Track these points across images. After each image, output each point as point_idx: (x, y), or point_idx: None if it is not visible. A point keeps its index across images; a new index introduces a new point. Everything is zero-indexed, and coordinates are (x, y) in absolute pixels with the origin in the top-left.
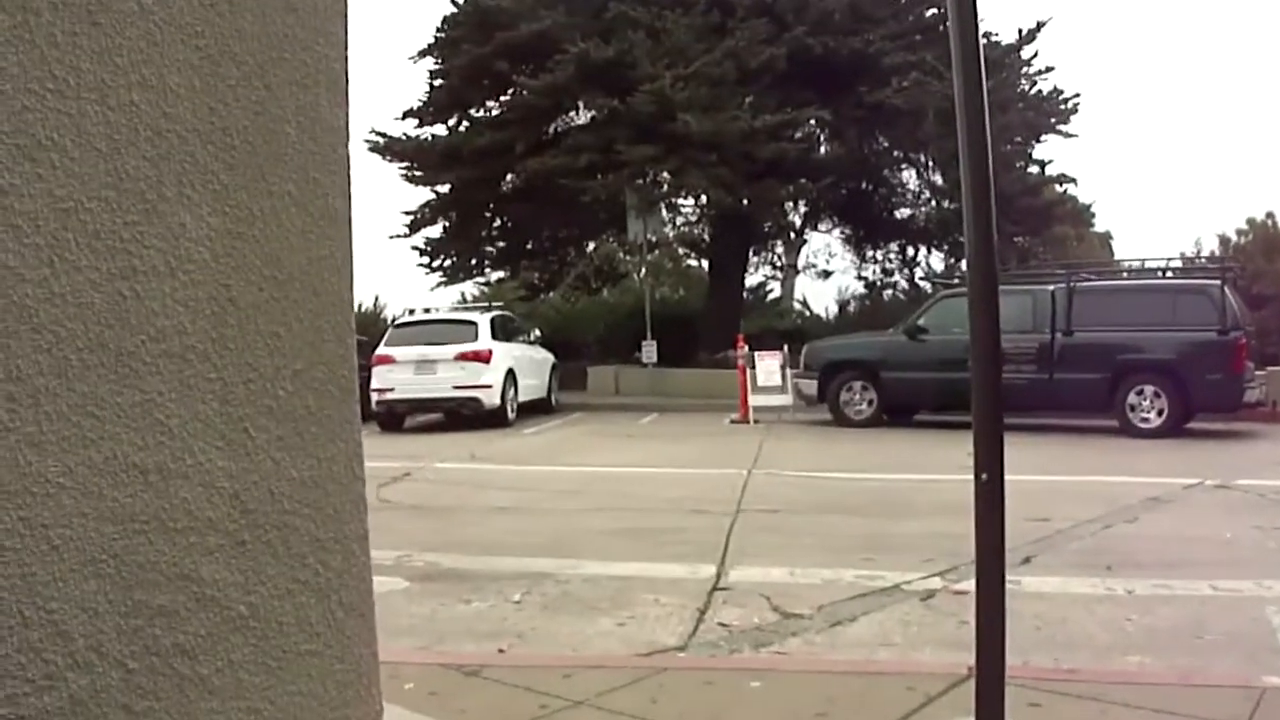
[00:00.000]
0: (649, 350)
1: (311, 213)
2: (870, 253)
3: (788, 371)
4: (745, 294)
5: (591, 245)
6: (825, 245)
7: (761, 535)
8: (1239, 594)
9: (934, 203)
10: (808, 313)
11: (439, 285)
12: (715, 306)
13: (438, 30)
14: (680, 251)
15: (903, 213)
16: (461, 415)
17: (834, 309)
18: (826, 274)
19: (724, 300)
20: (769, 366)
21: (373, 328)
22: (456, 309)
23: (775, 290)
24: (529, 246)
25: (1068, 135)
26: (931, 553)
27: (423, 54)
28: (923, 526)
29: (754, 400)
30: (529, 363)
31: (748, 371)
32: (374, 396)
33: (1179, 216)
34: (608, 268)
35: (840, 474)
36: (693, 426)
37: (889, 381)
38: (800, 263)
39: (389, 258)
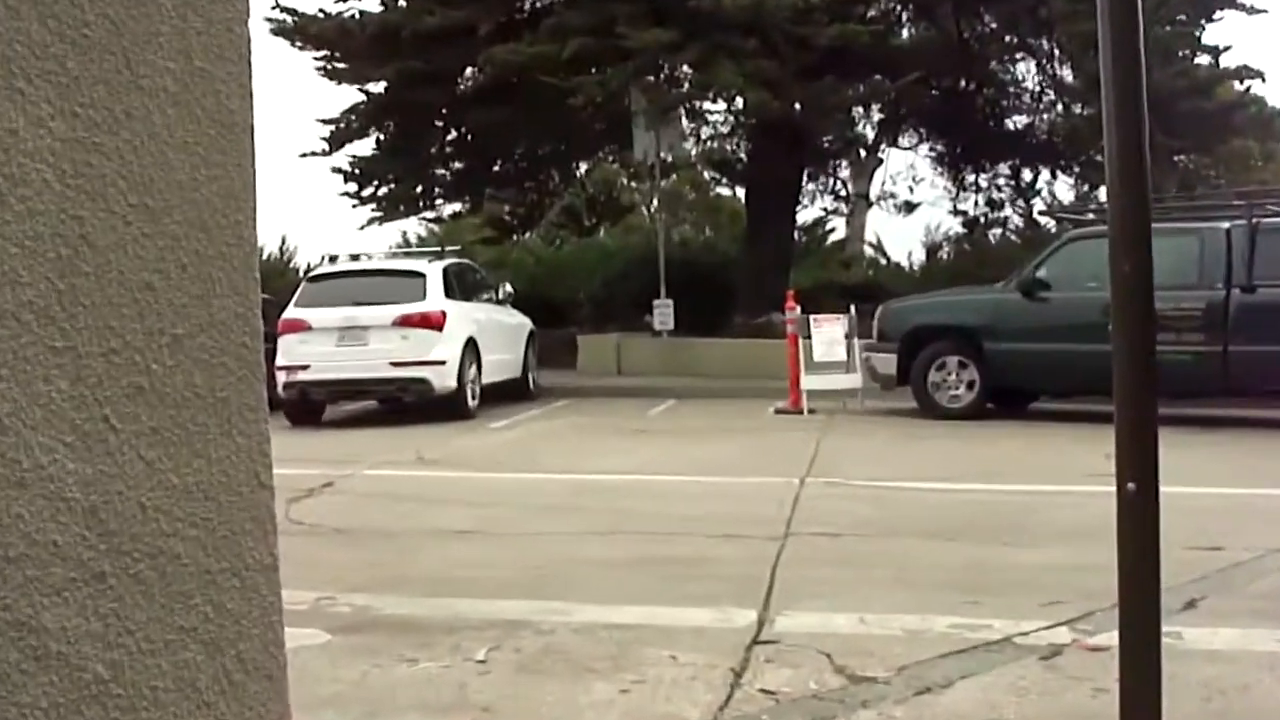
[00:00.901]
0: (663, 313)
1: (197, 116)
2: (971, 178)
3: (855, 343)
4: (797, 235)
5: (584, 168)
6: (908, 167)
7: (819, 568)
8: None
9: (1060, 107)
10: (883, 260)
11: (371, 223)
12: (755, 253)
13: None
14: (707, 177)
15: (1016, 121)
16: (403, 403)
17: (920, 255)
18: (910, 207)
19: (767, 244)
20: (829, 335)
21: (278, 281)
22: (396, 256)
23: (838, 230)
24: (496, 169)
25: (1252, 10)
26: (1055, 593)
27: None
28: (1043, 556)
29: (808, 382)
30: (497, 330)
31: (800, 342)
32: (280, 377)
33: None
34: (606, 199)
35: (928, 484)
36: (723, 418)
37: (996, 356)
38: (873, 191)
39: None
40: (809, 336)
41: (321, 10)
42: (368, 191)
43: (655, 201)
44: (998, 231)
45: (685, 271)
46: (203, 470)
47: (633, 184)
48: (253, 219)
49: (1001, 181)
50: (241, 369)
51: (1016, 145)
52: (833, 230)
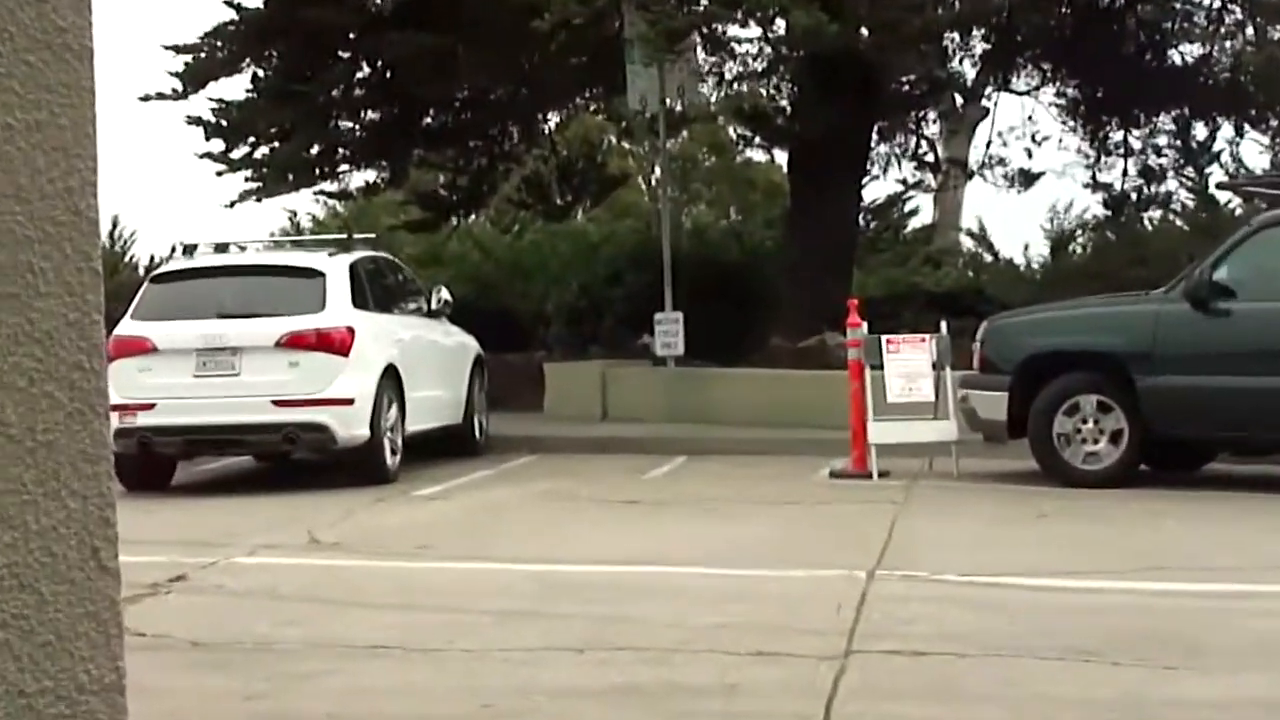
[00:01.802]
0: (668, 332)
1: (16, 41)
2: (1117, 136)
3: (948, 376)
4: (863, 220)
5: (553, 121)
6: (1025, 122)
7: (897, 703)
8: None
9: (1250, 32)
10: (988, 257)
11: (246, 198)
12: (802, 245)
13: None
14: (733, 135)
15: (1185, 54)
16: (291, 460)
17: (1042, 249)
18: (1028, 179)
19: (819, 232)
20: (910, 366)
21: (107, 281)
22: (282, 247)
23: (923, 212)
24: (427, 121)
25: None
26: None
27: None
28: (1228, 688)
29: (879, 433)
30: (429, 355)
31: (866, 376)
32: (113, 421)
33: None
34: (587, 166)
35: (1054, 580)
36: (754, 484)
37: (1154, 395)
38: (974, 157)
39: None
40: (879, 366)
41: None
42: (240, 152)
43: (657, 171)
44: (1156, 214)
45: (701, 271)
46: (16, 547)
47: (625, 145)
48: (93, 184)
49: (1162, 141)
50: (75, 401)
51: (1184, 88)
52: (915, 213)
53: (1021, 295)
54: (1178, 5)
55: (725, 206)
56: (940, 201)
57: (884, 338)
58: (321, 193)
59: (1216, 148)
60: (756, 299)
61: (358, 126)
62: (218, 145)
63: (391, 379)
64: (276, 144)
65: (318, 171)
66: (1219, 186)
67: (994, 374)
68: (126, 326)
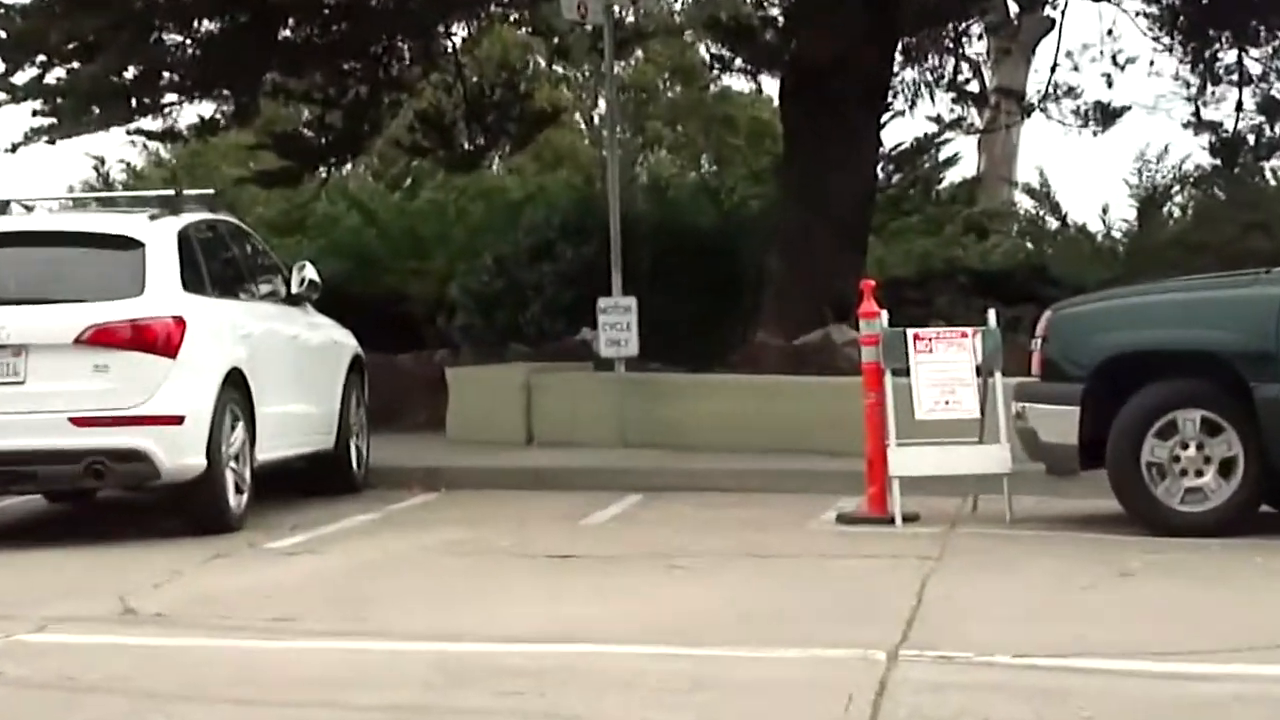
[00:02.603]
0: (616, 325)
1: None
2: (1228, 56)
3: (997, 384)
4: (882, 171)
5: (459, 34)
6: (1104, 37)
7: None
8: None
9: None
10: (1052, 221)
11: (35, 137)
12: (798, 206)
13: None
14: (705, 55)
15: None
16: (97, 497)
17: (1124, 211)
18: (1107, 115)
19: (821, 189)
20: (945, 369)
21: None
22: (84, 206)
23: (965, 161)
24: (286, 34)
25: None
26: None
27: None
28: None
29: (903, 463)
30: (290, 355)
31: (887, 384)
32: None
33: None
34: (505, 97)
35: (1147, 662)
36: (735, 531)
37: None
38: (1032, 87)
39: None
40: (905, 372)
41: None
42: (25, 75)
43: (602, 104)
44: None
45: (662, 242)
46: None
47: (558, 69)
48: None
49: None
50: None
51: None
52: (953, 162)
53: (1098, 274)
54: None
55: (695, 154)
56: (988, 147)
57: (911, 332)
58: (139, 132)
59: None
60: (737, 279)
61: (189, 40)
62: None
63: (237, 389)
64: (76, 64)
65: (134, 103)
66: None
67: (1061, 382)
68: None
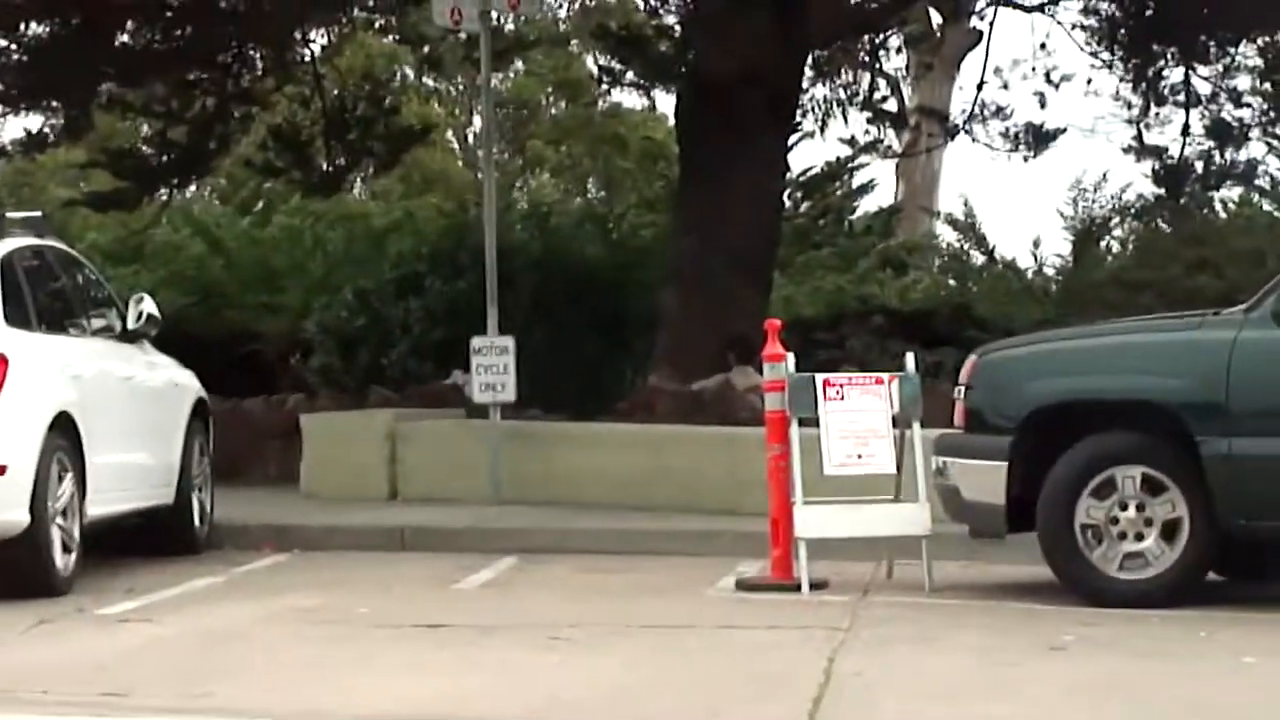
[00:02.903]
0: (493, 365)
1: None
2: (1175, 73)
3: (915, 436)
4: (790, 198)
5: (318, 41)
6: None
7: None
8: None
9: None
10: (978, 256)
11: None
12: (697, 236)
13: None
14: (592, 68)
15: None
16: None
17: (1059, 244)
18: (1040, 138)
19: (722, 218)
20: (858, 419)
21: None
22: None
23: (881, 186)
24: (124, 40)
25: None
26: None
27: None
28: None
29: (810, 523)
30: (125, 398)
31: (792, 433)
32: None
33: None
34: (369, 112)
35: None
36: (624, 599)
37: (1230, 466)
38: (957, 107)
39: None
40: (813, 422)
41: None
42: None
43: (477, 121)
44: (1233, 193)
45: (544, 276)
46: None
47: (428, 81)
48: None
49: (1243, 84)
50: None
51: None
52: (868, 190)
53: (1029, 315)
54: None
55: (581, 177)
56: (907, 173)
57: (820, 378)
58: None
59: None
60: (627, 317)
61: (15, 46)
62: None
63: (65, 435)
64: None
65: None
66: None
67: (986, 434)
68: None
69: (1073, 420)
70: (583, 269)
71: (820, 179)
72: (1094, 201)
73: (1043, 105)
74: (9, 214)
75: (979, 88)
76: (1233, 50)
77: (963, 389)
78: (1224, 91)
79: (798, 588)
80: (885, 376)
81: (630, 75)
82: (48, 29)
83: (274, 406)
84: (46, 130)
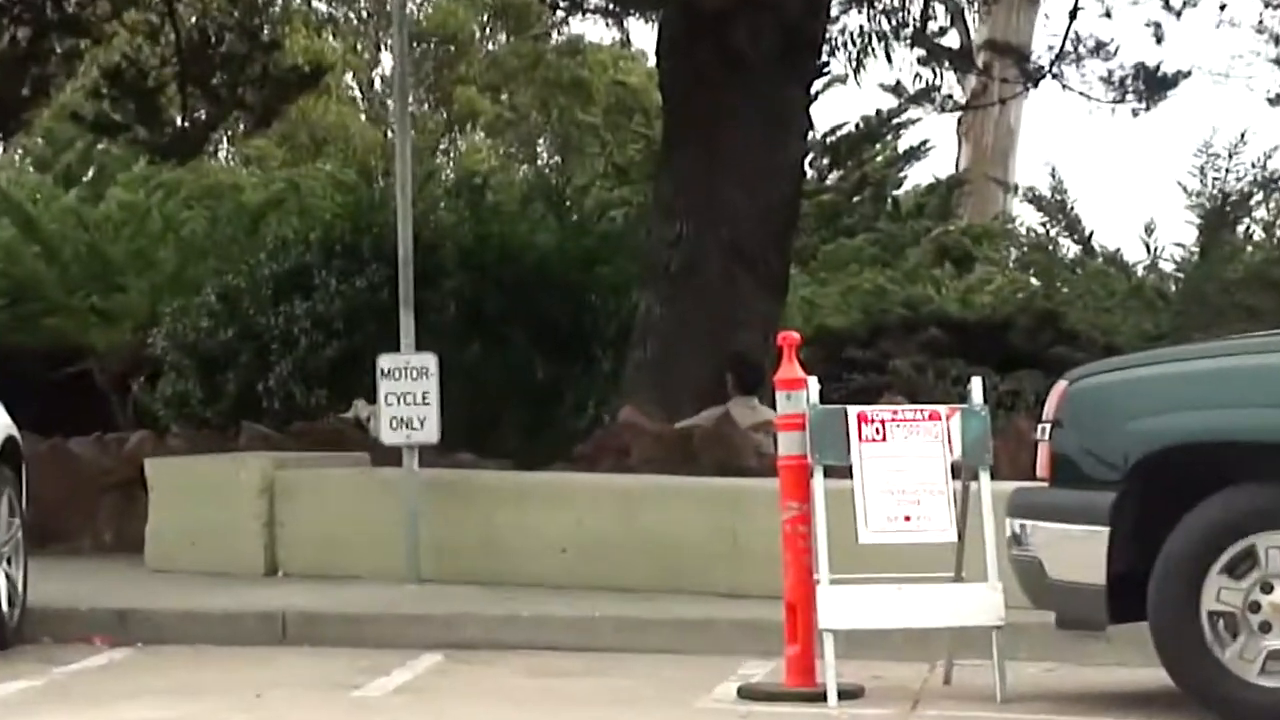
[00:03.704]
0: (408, 393)
1: None
2: None
3: (984, 489)
4: (813, 167)
5: None
6: None
7: None
8: None
9: None
10: (1069, 246)
11: None
12: (686, 218)
13: None
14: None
15: None
16: None
17: (1181, 230)
18: (1155, 83)
19: (720, 192)
20: (905, 467)
21: None
22: None
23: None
24: None
25: None
26: None
27: None
28: None
29: (838, 610)
30: None
31: (816, 485)
32: None
33: None
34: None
35: None
36: (588, 709)
37: None
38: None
39: None
40: (844, 471)
41: None
42: None
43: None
44: None
45: (477, 273)
46: None
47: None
48: None
49: None
50: None
51: None
52: (919, 154)
53: (1139, 327)
54: None
55: (529, 137)
56: (972, 132)
57: (854, 412)
58: None
59: None
60: (591, 329)
61: None
62: None
63: None
64: None
65: None
66: None
67: (1080, 488)
68: None
69: (1200, 470)
70: (530, 263)
71: (855, 140)
72: (1228, 172)
73: (1159, 40)
74: None
75: (1072, 16)
76: None
77: (1048, 427)
78: None
79: (823, 697)
80: (943, 410)
81: (594, 8)
82: None
83: (109, 448)
84: None
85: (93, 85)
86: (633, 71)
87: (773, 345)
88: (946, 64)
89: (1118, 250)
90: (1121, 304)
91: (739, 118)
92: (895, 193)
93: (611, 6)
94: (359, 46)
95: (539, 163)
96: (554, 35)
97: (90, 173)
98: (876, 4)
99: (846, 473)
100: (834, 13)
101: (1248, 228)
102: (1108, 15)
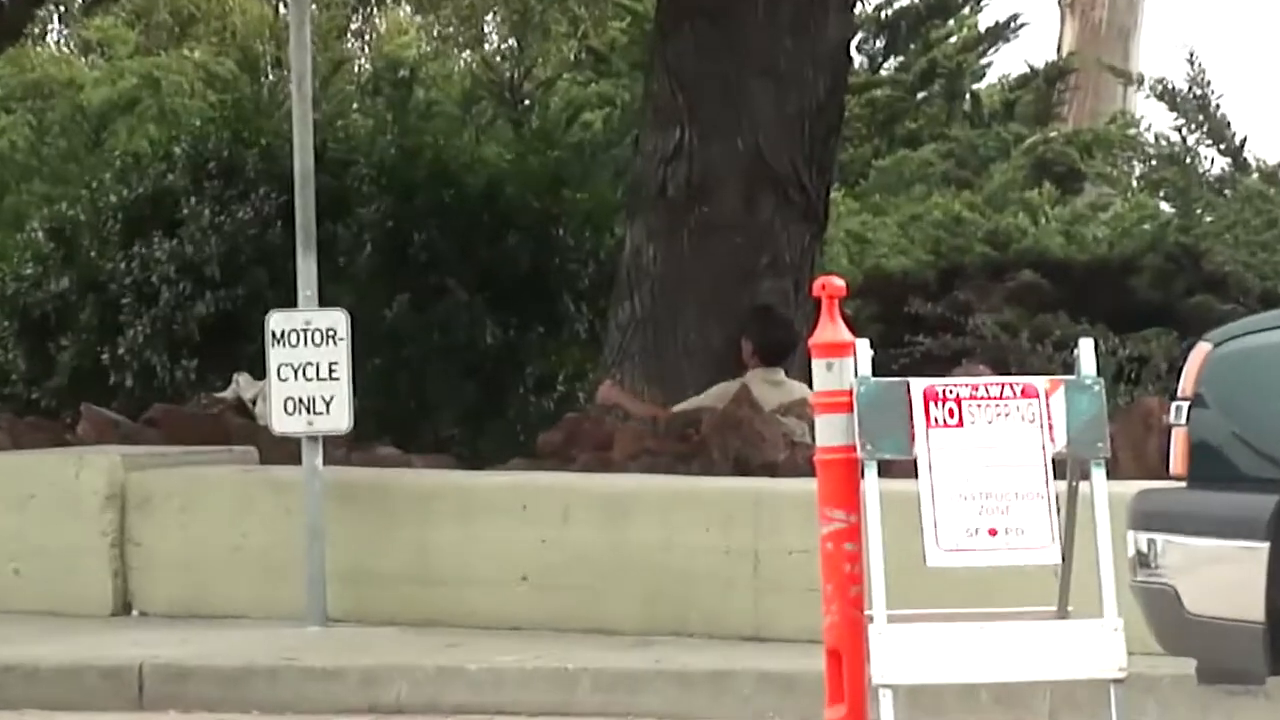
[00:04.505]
0: (304, 363)
1: None
2: None
3: (1099, 489)
4: (860, 51)
5: None
6: None
7: None
8: None
9: None
10: (1213, 161)
11: None
12: (686, 128)
13: None
14: None
15: None
16: None
17: None
18: None
19: (730, 91)
20: (991, 460)
21: None
22: None
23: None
24: None
25: None
26: None
27: None
28: None
29: (896, 656)
30: None
31: (869, 487)
32: None
33: None
34: None
35: None
36: None
37: None
38: None
39: None
40: (905, 468)
41: None
42: None
43: None
44: None
45: (401, 203)
46: None
47: None
48: None
49: None
50: None
51: None
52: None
53: None
54: None
55: (469, 12)
56: (1079, 3)
57: (920, 386)
58: None
59: None
60: (556, 278)
61: None
62: None
63: None
64: None
65: None
66: None
67: (1229, 489)
68: None
69: None
70: (475, 186)
71: (919, 15)
72: None
73: None
74: None
75: None
76: None
77: (1184, 406)
78: None
79: None
80: (1042, 384)
81: None
82: None
83: None
84: None
85: None
86: None
87: (807, 296)
88: None
89: (1278, 166)
90: None
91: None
92: (975, 87)
93: None
94: None
95: (486, 48)
96: None
97: None
98: None
99: (910, 470)
100: None
101: None
102: None
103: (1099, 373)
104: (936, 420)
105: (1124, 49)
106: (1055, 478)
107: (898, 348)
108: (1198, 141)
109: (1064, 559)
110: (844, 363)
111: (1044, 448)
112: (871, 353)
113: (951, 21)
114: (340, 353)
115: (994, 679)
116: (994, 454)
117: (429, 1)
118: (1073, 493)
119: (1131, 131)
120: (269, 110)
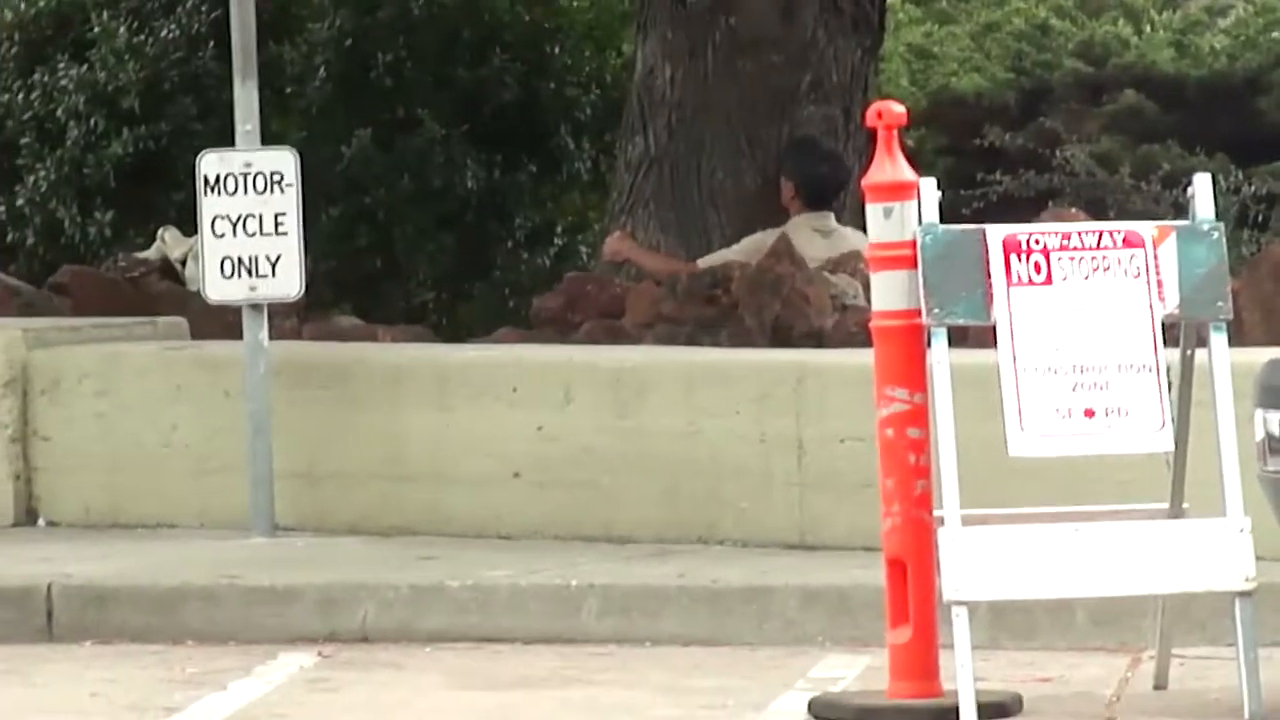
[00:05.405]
0: (243, 214)
1: None
2: None
3: (1215, 360)
4: None
5: None
6: None
7: None
8: None
9: None
10: None
11: None
12: None
13: None
14: None
15: None
16: None
17: None
18: None
19: None
20: (1086, 326)
21: None
22: None
23: None
24: None
25: None
26: None
27: None
28: None
29: (968, 570)
30: None
31: (937, 362)
32: None
33: None
34: None
35: None
36: None
37: None
38: None
39: None
40: (982, 335)
41: None
42: None
43: None
44: None
45: (358, 7)
46: None
47: None
48: None
49: None
50: None
51: None
52: None
53: None
54: None
55: None
56: None
57: (998, 233)
58: None
59: None
60: (555, 107)
61: None
62: None
63: None
64: None
65: None
66: None
67: None
68: None
69: None
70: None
71: None
72: None
73: None
74: None
75: None
76: None
77: None
78: None
79: (953, 715)
80: (1148, 231)
81: None
82: None
83: None
84: None
85: None
86: None
87: (860, 126)
88: None
89: None
90: None
91: None
92: None
93: None
94: None
95: None
96: None
97: None
98: None
99: (988, 339)
100: None
101: None
102: None
103: (1218, 216)
104: (1019, 277)
105: None
106: (1166, 345)
107: (970, 188)
108: None
109: (1177, 445)
110: (905, 207)
111: (1151, 309)
112: (939, 194)
113: None
114: (288, 201)
115: (1092, 593)
116: (1090, 317)
117: None
118: (1187, 363)
119: None
120: None
